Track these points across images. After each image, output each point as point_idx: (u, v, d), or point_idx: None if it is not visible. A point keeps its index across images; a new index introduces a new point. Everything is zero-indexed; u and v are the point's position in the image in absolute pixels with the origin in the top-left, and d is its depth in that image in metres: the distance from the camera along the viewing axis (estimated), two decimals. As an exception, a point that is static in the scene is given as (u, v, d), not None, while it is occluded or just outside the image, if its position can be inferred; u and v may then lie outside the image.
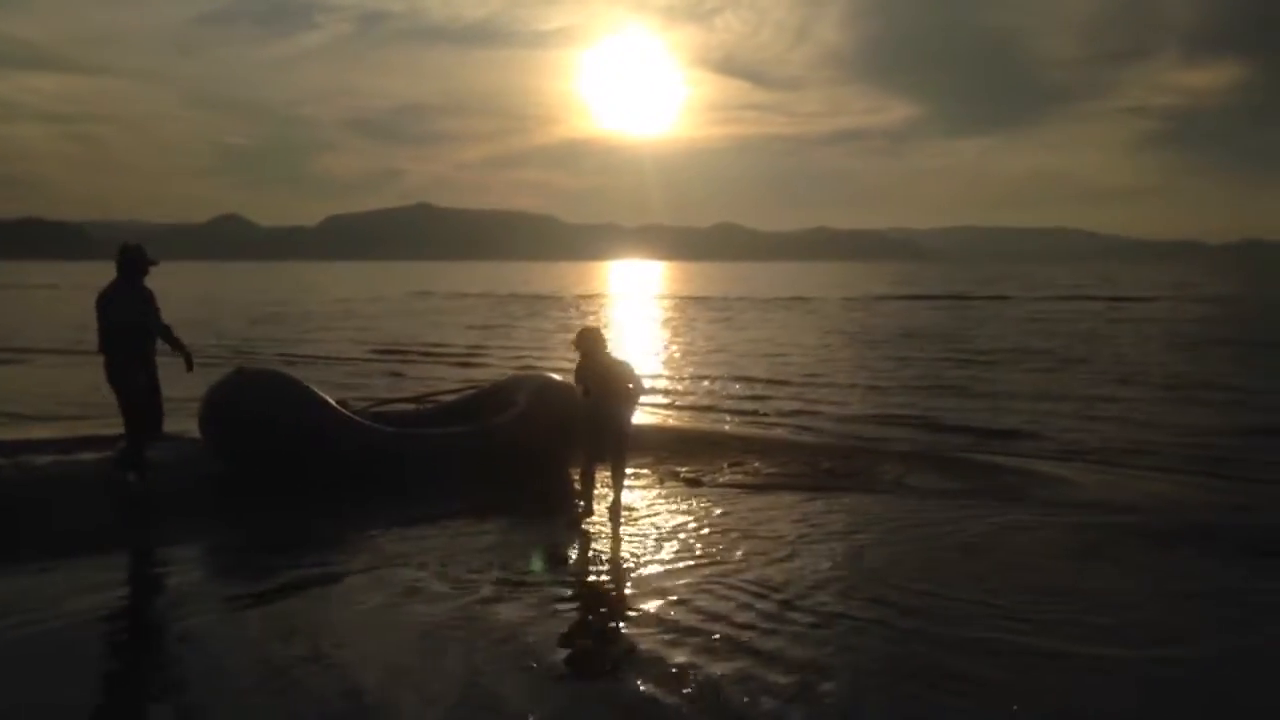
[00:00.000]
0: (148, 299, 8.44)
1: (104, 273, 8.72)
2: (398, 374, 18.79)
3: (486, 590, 6.17)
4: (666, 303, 52.10)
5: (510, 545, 7.24)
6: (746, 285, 78.18)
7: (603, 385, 8.09)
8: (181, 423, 10.81)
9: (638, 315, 41.87)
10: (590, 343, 8.27)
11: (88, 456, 9.41)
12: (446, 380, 16.01)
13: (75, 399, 13.91)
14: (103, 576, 6.65)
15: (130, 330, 8.35)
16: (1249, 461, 10.41)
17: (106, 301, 8.37)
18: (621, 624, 5.68)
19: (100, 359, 8.40)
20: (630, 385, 8.21)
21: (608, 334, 8.50)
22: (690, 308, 46.38)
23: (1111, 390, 15.78)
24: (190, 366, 8.66)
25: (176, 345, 8.55)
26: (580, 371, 8.24)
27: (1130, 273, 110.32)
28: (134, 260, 8.43)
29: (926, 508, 8.34)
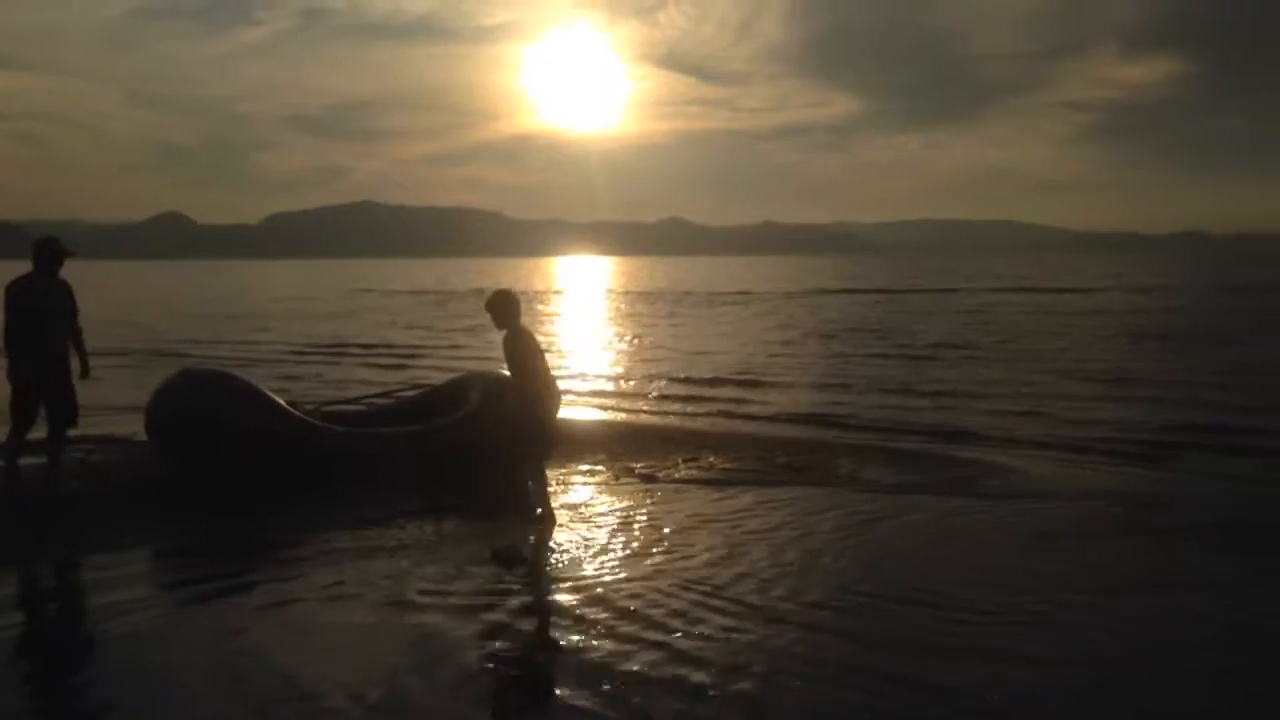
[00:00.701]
0: (70, 291, 8.44)
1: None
2: (341, 375, 18.55)
3: (425, 590, 6.14)
4: (615, 298, 52.01)
5: (461, 544, 7.22)
6: (694, 280, 78.26)
7: (540, 363, 7.61)
8: (126, 425, 10.68)
9: (587, 311, 41.77)
10: (512, 309, 7.60)
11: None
12: (388, 381, 15.89)
13: None
14: (42, 585, 6.58)
15: (64, 320, 8.34)
16: (1181, 453, 10.54)
17: (39, 293, 8.22)
18: (556, 622, 5.64)
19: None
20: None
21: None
22: (639, 303, 46.34)
23: (1055, 382, 15.95)
24: (86, 373, 8.61)
25: (81, 344, 8.55)
26: (515, 346, 7.49)
27: (1073, 264, 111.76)
28: (58, 253, 8.31)
29: (879, 501, 8.38)
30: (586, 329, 31.52)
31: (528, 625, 5.69)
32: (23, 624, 5.86)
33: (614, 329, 31.00)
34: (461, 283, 74.13)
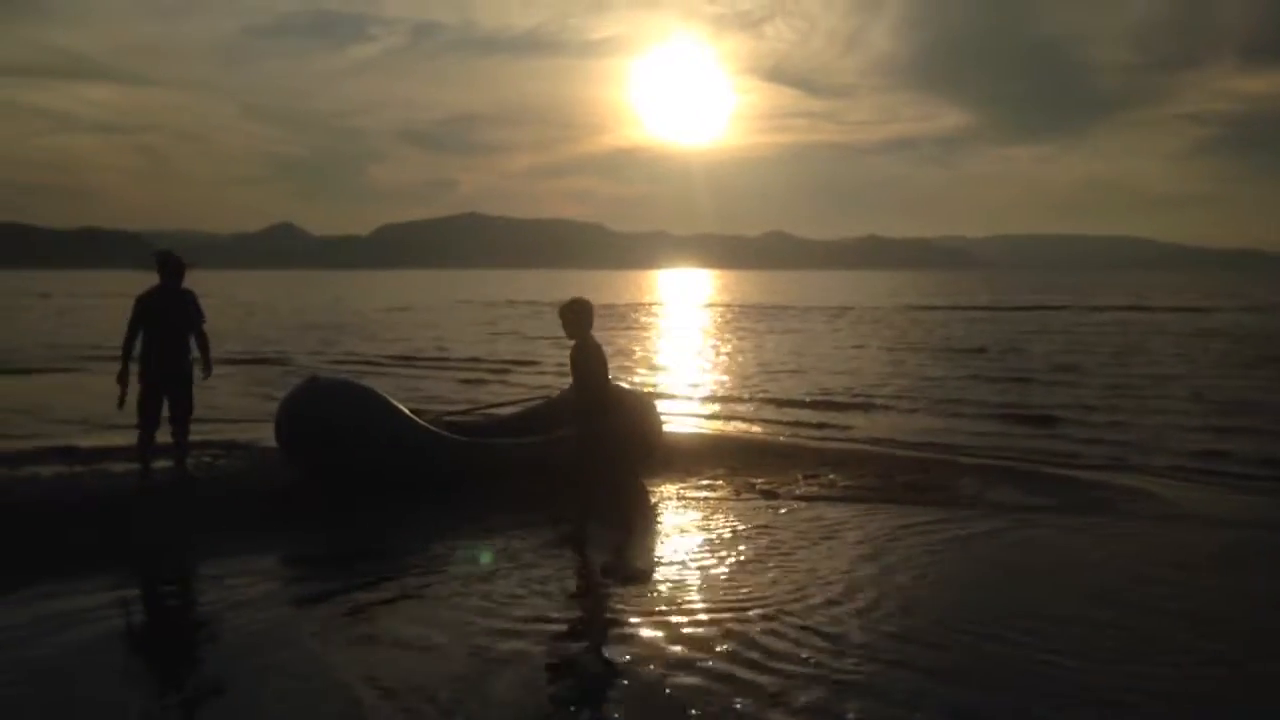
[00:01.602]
0: (194, 299, 9.04)
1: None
2: (467, 381, 18.81)
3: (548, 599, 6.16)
4: (720, 311, 51.87)
5: (577, 556, 7.23)
6: (800, 293, 77.75)
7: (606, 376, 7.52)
8: (250, 431, 10.91)
9: (692, 323, 41.69)
10: (585, 318, 7.44)
11: (164, 463, 9.54)
12: (506, 392, 16.05)
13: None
14: (172, 586, 6.79)
15: (186, 328, 8.93)
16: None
17: (162, 303, 8.83)
18: (651, 644, 5.43)
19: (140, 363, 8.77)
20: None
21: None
22: (744, 316, 46.15)
23: (1179, 404, 15.38)
24: (208, 372, 9.11)
25: (205, 348, 9.06)
26: (587, 357, 7.36)
27: (1191, 281, 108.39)
28: (178, 265, 8.99)
29: (1006, 522, 8.16)
30: (689, 342, 31.36)
31: (622, 647, 5.42)
32: (141, 621, 6.13)
33: (717, 342, 30.79)
34: (566, 294, 74.46)
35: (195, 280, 9.26)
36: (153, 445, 8.97)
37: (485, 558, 7.02)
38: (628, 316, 45.68)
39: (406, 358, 24.20)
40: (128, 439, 9.37)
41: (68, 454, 10.11)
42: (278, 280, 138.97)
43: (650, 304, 62.53)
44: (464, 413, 11.04)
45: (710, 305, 60.45)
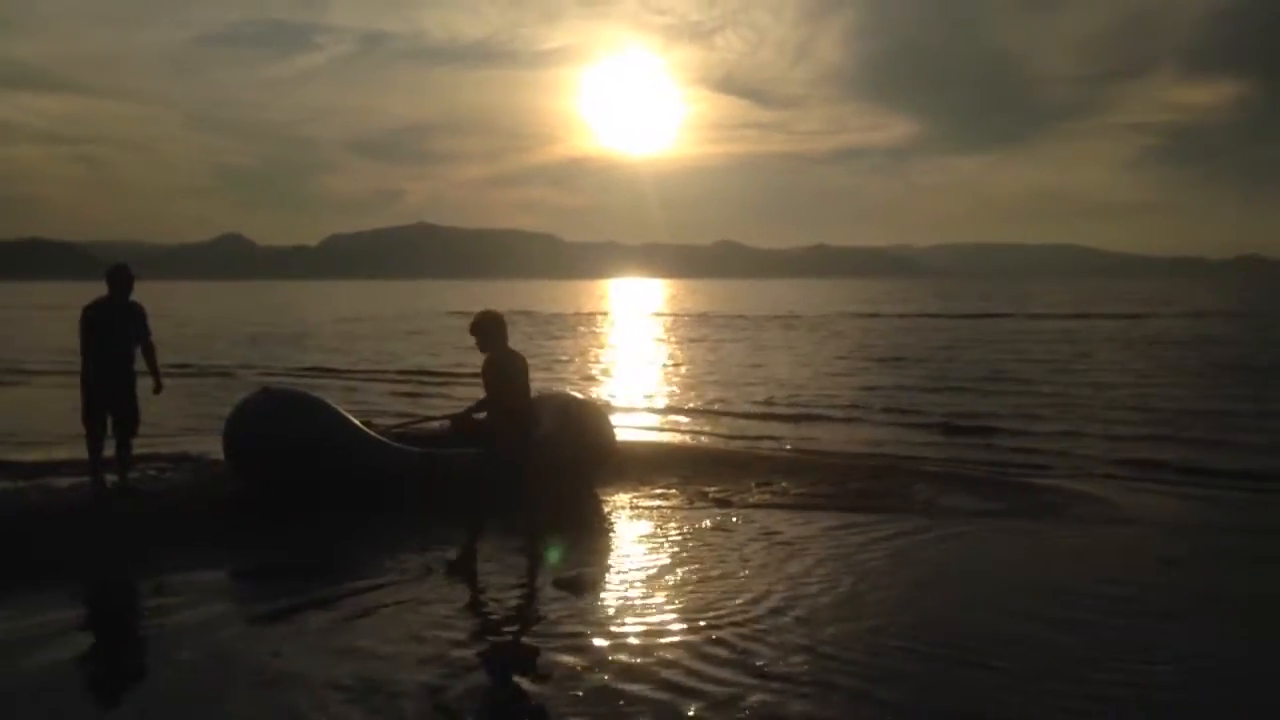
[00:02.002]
0: (142, 312, 8.94)
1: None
2: (411, 394, 18.62)
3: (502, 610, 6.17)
4: (668, 321, 51.95)
5: (528, 568, 7.14)
6: (750, 303, 78.09)
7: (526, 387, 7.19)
8: (198, 444, 10.76)
9: (643, 333, 41.75)
10: (499, 331, 7.11)
11: (112, 477, 9.40)
12: (458, 401, 15.91)
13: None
14: (114, 604, 6.68)
15: (133, 340, 8.87)
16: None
17: (107, 316, 8.76)
18: (598, 654, 5.41)
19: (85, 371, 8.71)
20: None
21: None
22: (695, 325, 46.28)
23: (1123, 412, 15.57)
24: (159, 387, 9.06)
25: (153, 361, 9.02)
26: (502, 369, 7.04)
27: (1134, 288, 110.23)
28: (128, 278, 8.88)
29: (959, 528, 8.24)
30: (640, 352, 31.38)
31: (573, 656, 5.38)
32: (90, 642, 5.97)
33: (668, 351, 30.85)
34: (524, 305, 74.19)
35: (140, 292, 9.13)
36: (101, 458, 8.90)
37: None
38: (578, 326, 45.69)
39: (343, 370, 23.82)
40: (69, 453, 9.22)
41: (8, 469, 9.92)
42: (224, 291, 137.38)
43: (600, 313, 62.57)
44: (415, 423, 10.94)
45: (660, 315, 60.51)
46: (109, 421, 8.88)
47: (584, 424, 9.80)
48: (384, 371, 23.41)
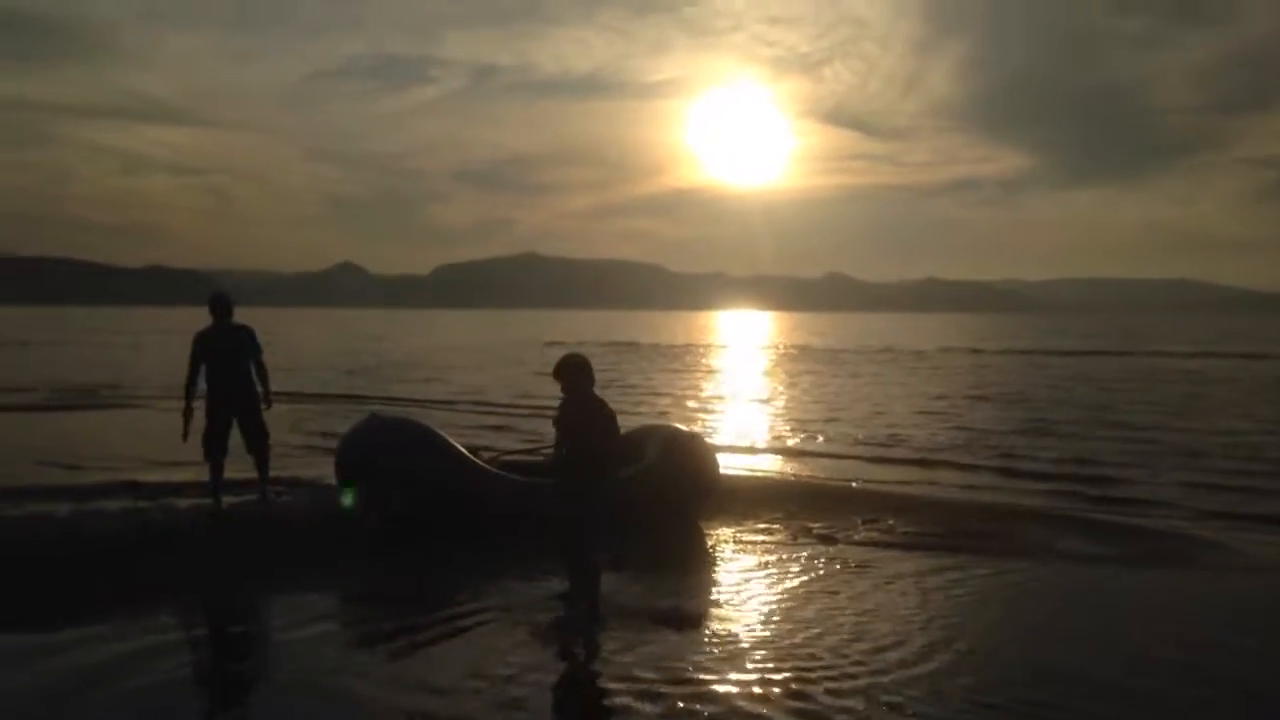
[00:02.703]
0: (249, 333, 9.24)
1: (236, 317, 9.23)
2: (498, 427, 18.33)
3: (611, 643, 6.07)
4: (774, 354, 51.53)
5: (634, 599, 7.08)
6: (854, 337, 77.13)
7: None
8: (315, 468, 10.98)
9: (750, 366, 41.45)
10: (578, 376, 6.82)
11: (229, 499, 9.70)
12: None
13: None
14: (221, 622, 6.86)
15: (243, 360, 9.16)
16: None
17: (215, 339, 9.15)
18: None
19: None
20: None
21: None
22: (799, 360, 45.78)
23: (1247, 458, 14.82)
24: (268, 403, 9.35)
25: (264, 378, 9.29)
26: (590, 415, 6.76)
27: (1252, 324, 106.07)
28: (228, 303, 9.25)
29: (1084, 576, 7.99)
30: (744, 385, 31.09)
31: (675, 701, 5.24)
32: (193, 660, 6.11)
33: (775, 385, 30.52)
34: (629, 335, 74.26)
35: (258, 318, 9.49)
36: (222, 478, 9.23)
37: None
38: (683, 358, 45.62)
39: (438, 400, 23.40)
40: (191, 474, 9.51)
41: (134, 490, 10.28)
42: (337, 318, 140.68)
43: (706, 345, 62.35)
44: (526, 452, 11.01)
45: (769, 347, 60.09)
46: (237, 438, 9.21)
47: (687, 457, 9.79)
48: (478, 402, 23.30)
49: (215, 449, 9.18)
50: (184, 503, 9.51)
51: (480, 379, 30.18)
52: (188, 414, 9.07)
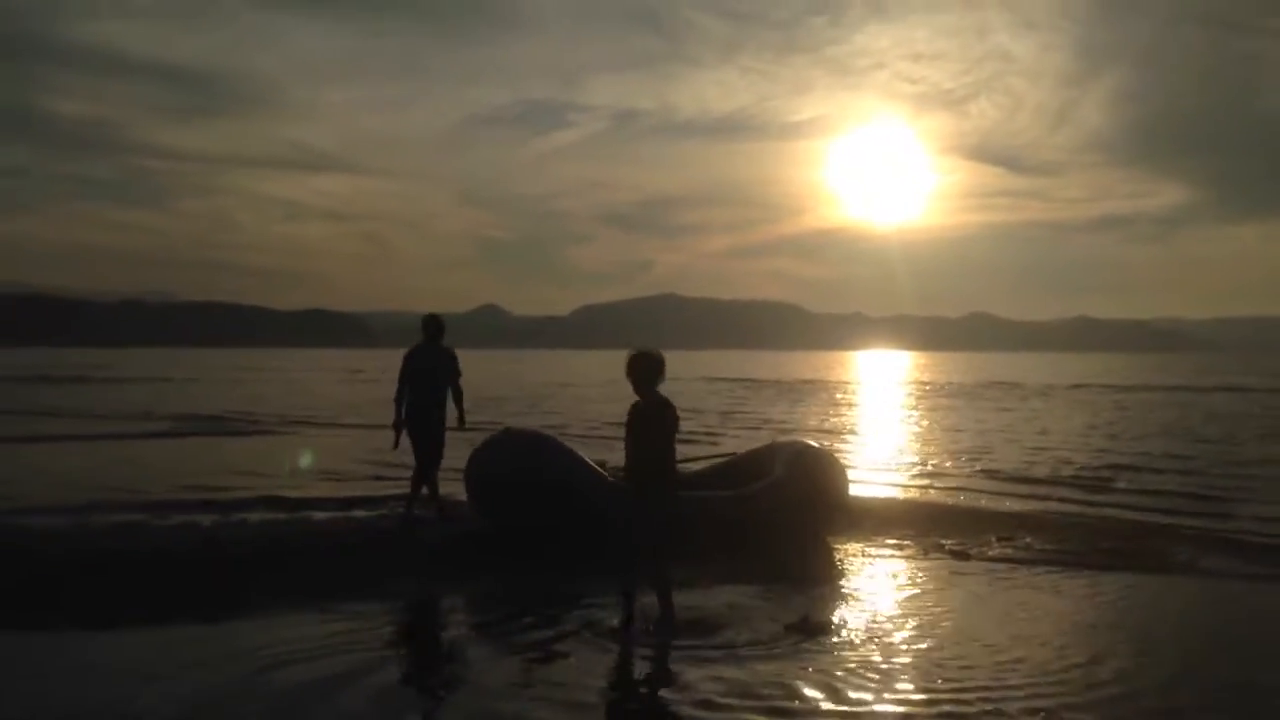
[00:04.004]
0: (450, 355, 9.75)
1: (385, 358, 9.64)
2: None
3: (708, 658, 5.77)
4: (911, 389, 50.44)
5: (756, 611, 6.80)
6: (1001, 373, 75.00)
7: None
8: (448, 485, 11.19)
9: (888, 399, 40.70)
10: (648, 374, 6.36)
11: (360, 513, 10.04)
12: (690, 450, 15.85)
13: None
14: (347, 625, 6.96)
15: (443, 379, 9.67)
16: None
17: (422, 357, 9.74)
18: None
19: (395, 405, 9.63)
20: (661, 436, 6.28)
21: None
22: (936, 394, 44.69)
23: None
24: (462, 422, 9.78)
25: (459, 399, 9.80)
26: (659, 415, 6.32)
27: None
28: (439, 326, 9.85)
29: (1235, 592, 7.58)
30: (879, 416, 30.48)
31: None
32: (343, 659, 6.11)
33: (908, 417, 29.79)
34: (767, 374, 73.67)
35: (397, 359, 9.98)
36: (419, 488, 9.68)
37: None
38: (821, 393, 45.08)
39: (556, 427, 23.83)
40: (367, 490, 9.88)
41: (275, 503, 10.82)
42: (477, 360, 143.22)
43: (845, 382, 61.47)
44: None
45: (907, 383, 58.93)
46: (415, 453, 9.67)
47: (816, 472, 9.65)
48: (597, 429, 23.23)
49: (418, 459, 9.62)
50: (321, 515, 10.00)
51: (586, 409, 30.21)
52: (397, 426, 9.61)
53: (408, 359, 9.74)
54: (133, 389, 41.99)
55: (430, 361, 9.70)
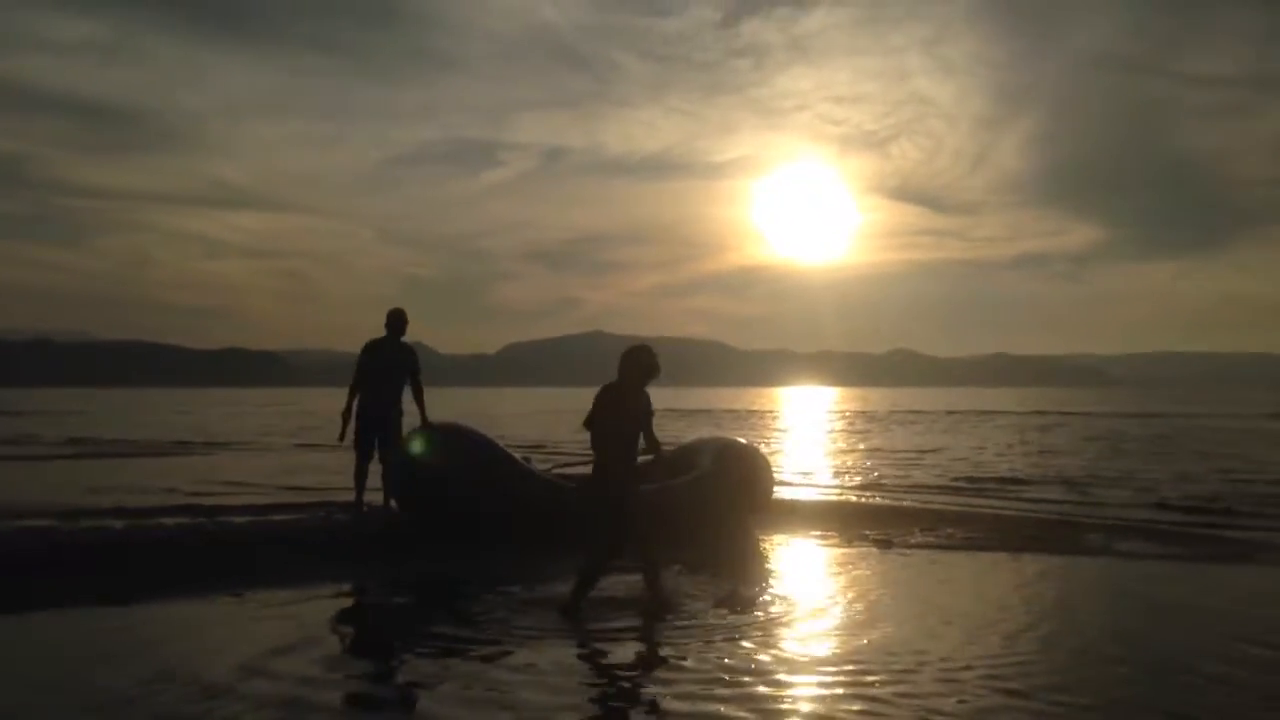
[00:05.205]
0: (410, 352, 9.58)
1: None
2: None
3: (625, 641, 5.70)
4: (836, 417, 50.97)
5: (682, 599, 6.69)
6: (920, 404, 76.16)
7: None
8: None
9: (808, 425, 41.02)
10: (626, 361, 6.44)
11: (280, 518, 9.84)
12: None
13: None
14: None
15: (401, 373, 9.45)
16: None
17: (384, 351, 9.49)
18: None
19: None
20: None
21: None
22: (860, 421, 45.20)
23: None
24: (424, 419, 9.32)
25: (419, 397, 9.52)
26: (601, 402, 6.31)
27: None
28: (403, 321, 9.57)
29: (1141, 568, 7.76)
30: (804, 438, 30.70)
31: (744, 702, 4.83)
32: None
33: (832, 439, 30.06)
34: (696, 405, 73.96)
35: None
36: (365, 477, 9.49)
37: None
38: (750, 420, 45.35)
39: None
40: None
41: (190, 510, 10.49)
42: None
43: (770, 412, 61.85)
44: (580, 464, 10.95)
45: (829, 413, 59.51)
46: (375, 444, 9.42)
47: (741, 467, 9.70)
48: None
49: (363, 452, 9.44)
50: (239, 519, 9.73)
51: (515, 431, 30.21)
52: (346, 415, 9.34)
53: (365, 353, 9.46)
54: (18, 421, 40.52)
55: (388, 359, 9.46)
